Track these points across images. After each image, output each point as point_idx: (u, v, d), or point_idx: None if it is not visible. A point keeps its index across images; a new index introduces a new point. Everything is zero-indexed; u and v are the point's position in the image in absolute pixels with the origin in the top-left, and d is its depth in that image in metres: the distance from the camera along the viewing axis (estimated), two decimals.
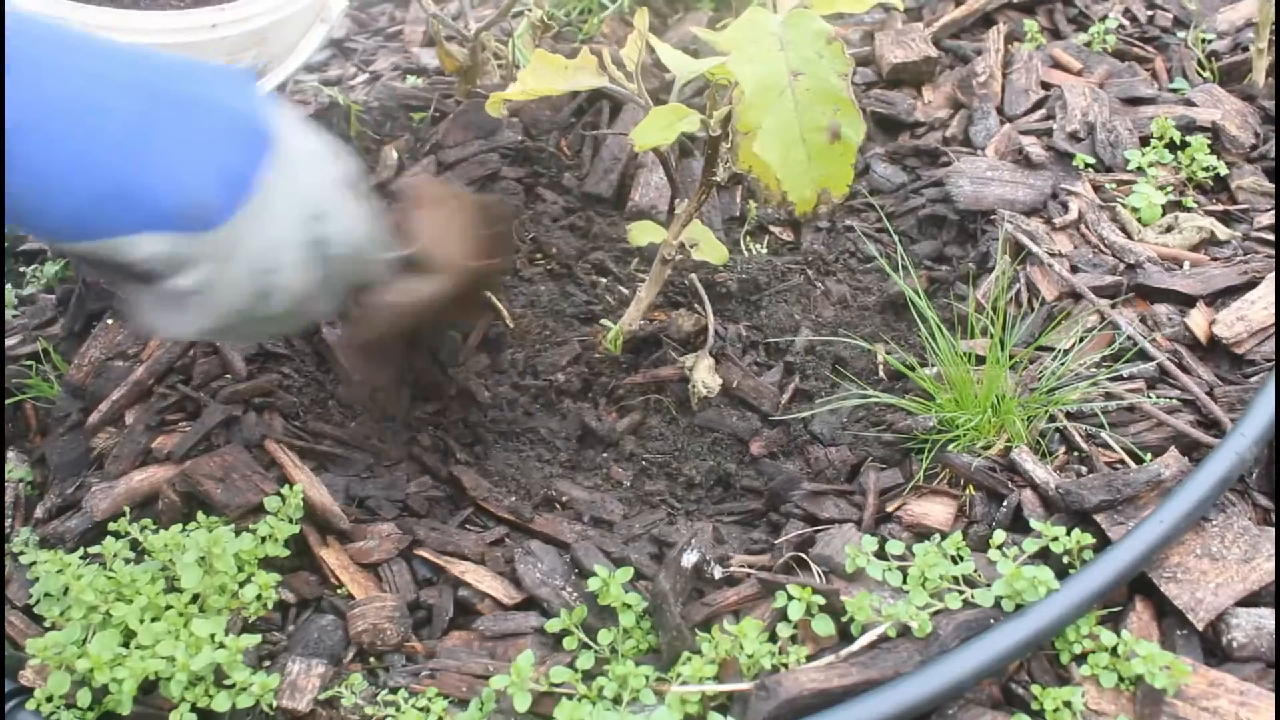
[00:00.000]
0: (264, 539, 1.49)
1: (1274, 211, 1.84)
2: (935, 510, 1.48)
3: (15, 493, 1.70)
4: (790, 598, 1.35)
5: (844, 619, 1.33)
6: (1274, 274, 1.67)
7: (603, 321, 1.77)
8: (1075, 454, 1.52)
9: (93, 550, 1.48)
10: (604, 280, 1.92)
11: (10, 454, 1.77)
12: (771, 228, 2.03)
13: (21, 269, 2.16)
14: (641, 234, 1.72)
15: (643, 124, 1.52)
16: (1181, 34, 2.26)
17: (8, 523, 1.65)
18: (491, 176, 2.07)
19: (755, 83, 1.39)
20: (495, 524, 1.59)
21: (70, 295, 1.94)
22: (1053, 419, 1.54)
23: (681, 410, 1.74)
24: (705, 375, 1.70)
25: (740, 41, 1.41)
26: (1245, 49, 2.15)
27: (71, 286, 1.95)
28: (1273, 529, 1.41)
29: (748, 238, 2.00)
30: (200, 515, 1.51)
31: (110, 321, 1.82)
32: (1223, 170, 1.90)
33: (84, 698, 1.34)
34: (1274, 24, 2.03)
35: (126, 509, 1.55)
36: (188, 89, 0.98)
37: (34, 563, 1.47)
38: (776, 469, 1.63)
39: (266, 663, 1.41)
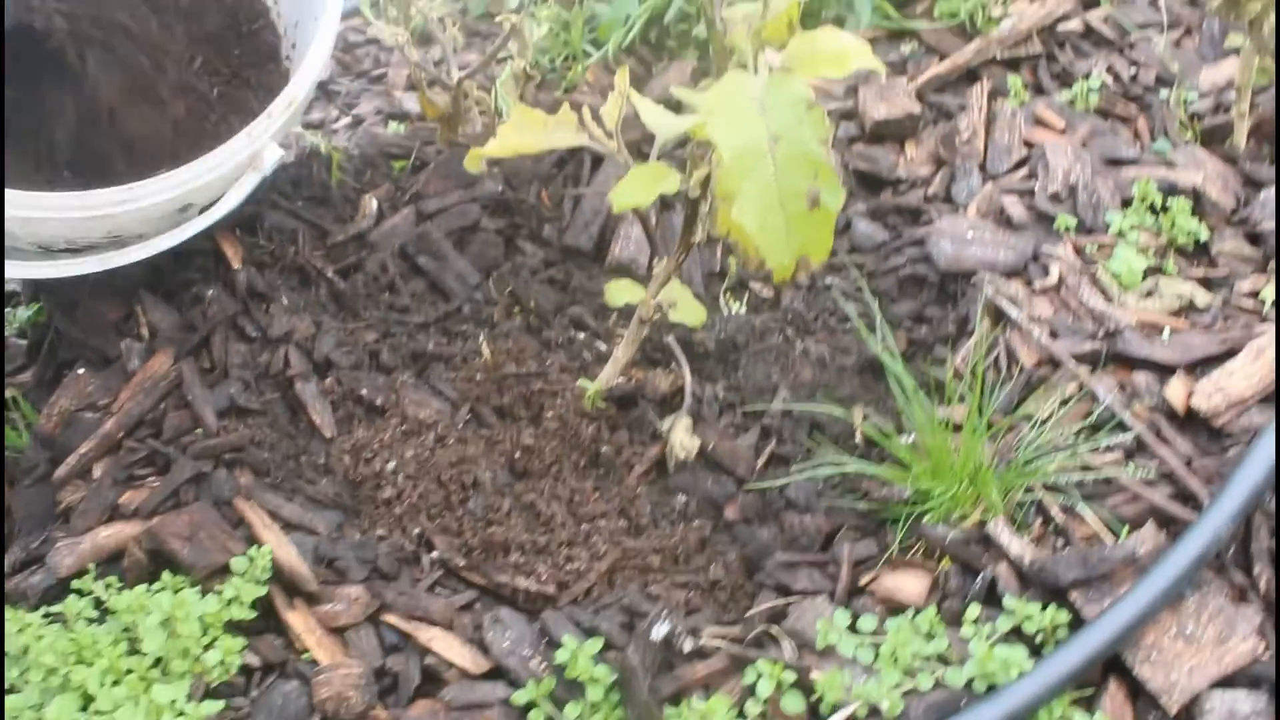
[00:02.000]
0: (230, 601, 1.47)
1: (1258, 274, 1.84)
2: (909, 584, 1.46)
3: None
4: (760, 674, 1.33)
5: (814, 697, 1.32)
6: (1258, 338, 1.66)
7: (580, 382, 1.76)
8: (1051, 526, 1.51)
9: (55, 609, 1.46)
10: (581, 335, 1.91)
11: None
12: (752, 284, 2.02)
13: None
14: (619, 293, 1.71)
15: (621, 184, 1.51)
16: (1164, 92, 2.26)
17: None
18: (471, 227, 2.06)
19: (734, 148, 1.37)
20: (465, 588, 1.57)
21: (42, 341, 1.92)
22: (1029, 489, 1.53)
23: (658, 470, 1.73)
24: (683, 437, 1.68)
25: (720, 105, 1.39)
26: (1227, 110, 2.15)
27: (44, 332, 1.93)
28: (1248, 606, 1.40)
29: (728, 294, 1.99)
30: (166, 574, 1.49)
31: (81, 371, 1.80)
32: (1204, 235, 1.90)
33: None
34: (1262, 79, 2.02)
35: (91, 566, 1.53)
36: None
37: None
38: (751, 535, 1.61)
39: None
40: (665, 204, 2.09)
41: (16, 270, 1.78)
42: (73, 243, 1.81)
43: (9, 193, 1.64)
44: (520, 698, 1.37)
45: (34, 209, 1.67)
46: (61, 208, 1.68)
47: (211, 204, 1.85)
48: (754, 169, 1.38)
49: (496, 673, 1.43)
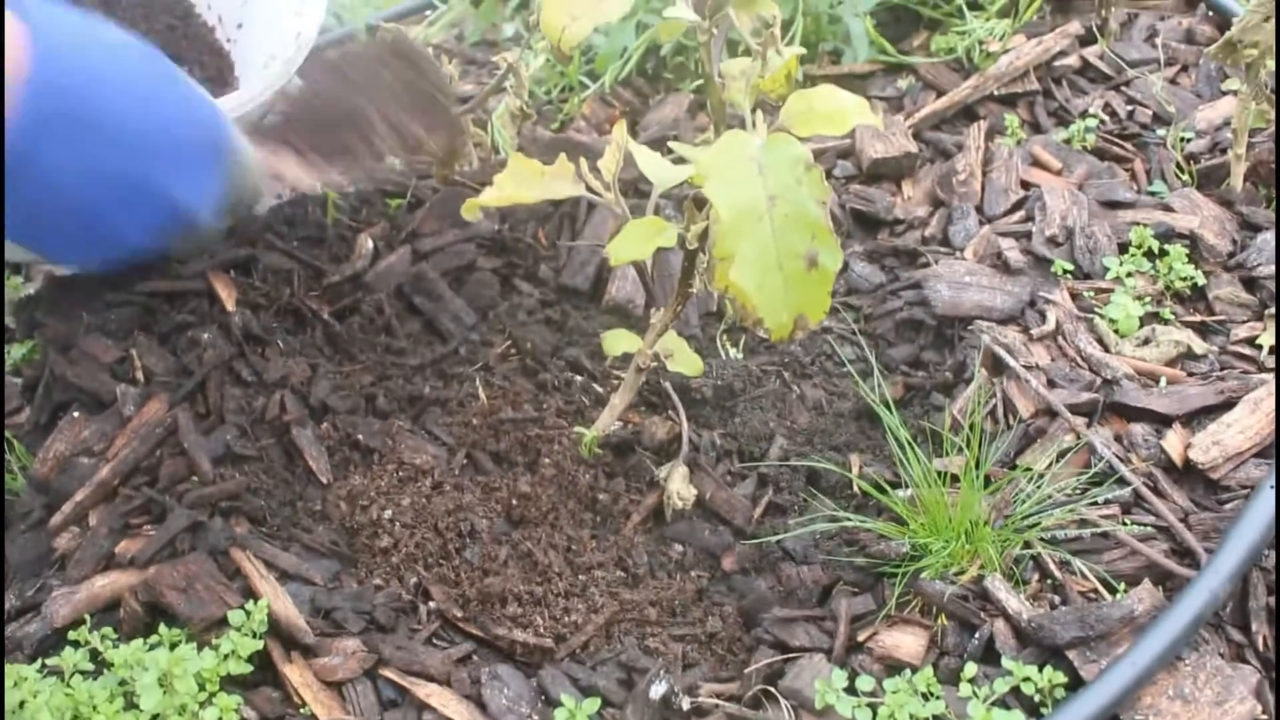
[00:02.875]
0: (226, 656, 1.47)
1: (1255, 321, 1.85)
2: (907, 642, 1.46)
3: None
4: None
5: None
6: (1256, 390, 1.67)
7: (577, 428, 1.76)
8: (1049, 581, 1.51)
9: (51, 662, 1.46)
10: (578, 378, 1.91)
11: None
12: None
13: None
14: (615, 343, 1.70)
15: (619, 238, 1.51)
16: (1161, 131, 2.27)
17: None
18: (467, 267, 2.06)
19: (732, 209, 1.37)
20: (463, 639, 1.56)
21: (37, 381, 1.91)
22: (1027, 545, 1.53)
23: (655, 519, 1.73)
24: (680, 486, 1.68)
25: (719, 165, 1.39)
26: (1224, 151, 2.15)
27: (39, 372, 1.92)
28: (1245, 666, 1.40)
29: (724, 336, 1.99)
30: (163, 628, 1.48)
31: (76, 414, 1.79)
32: (1200, 280, 1.90)
33: None
34: (1259, 122, 2.03)
35: (87, 616, 1.52)
36: None
37: None
38: (748, 586, 1.61)
39: None
40: None
41: None
42: None
43: None
44: None
45: None
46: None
47: None
48: (752, 230, 1.38)
49: None
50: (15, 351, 2.09)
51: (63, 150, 1.12)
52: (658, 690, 1.37)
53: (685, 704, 1.40)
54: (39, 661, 1.47)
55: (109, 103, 1.13)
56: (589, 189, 1.58)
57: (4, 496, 1.79)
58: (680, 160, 1.58)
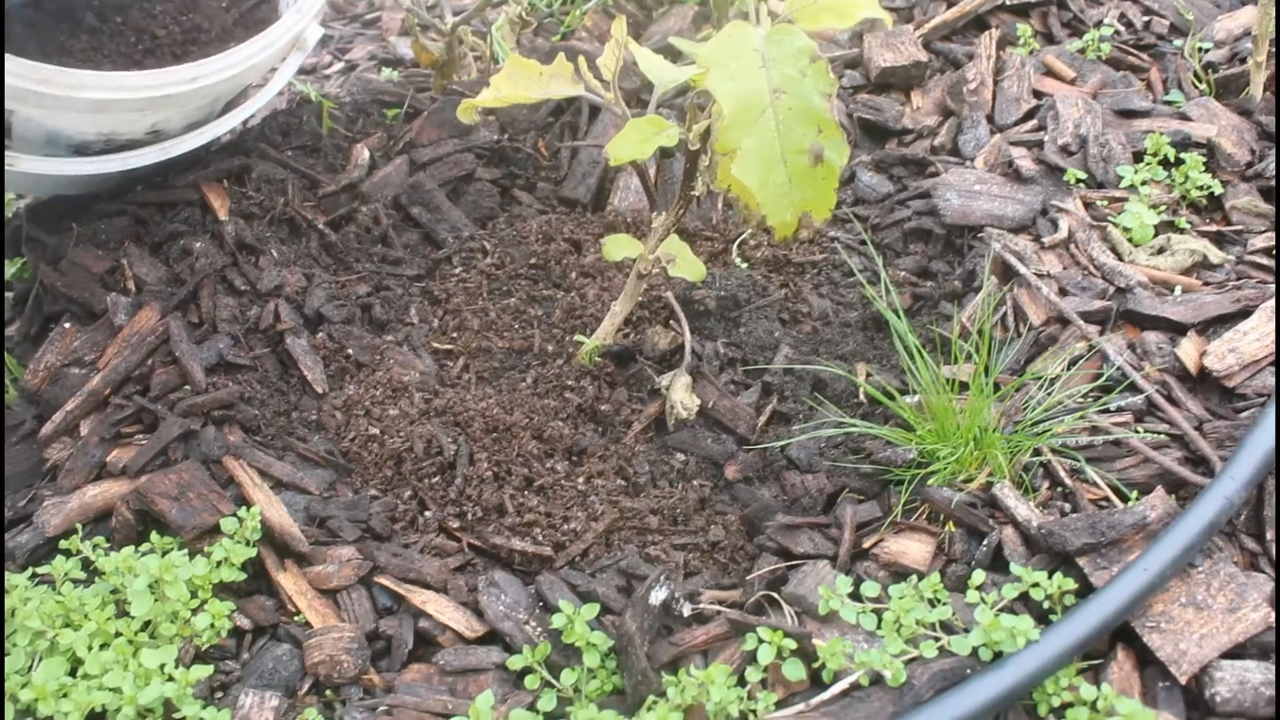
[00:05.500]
0: (219, 564, 1.44)
1: (1269, 233, 1.80)
2: (913, 548, 1.43)
3: None
4: (761, 640, 1.30)
5: (815, 664, 1.29)
6: (1273, 298, 1.62)
7: (576, 336, 1.72)
8: (1059, 489, 1.48)
9: (42, 570, 1.43)
10: (580, 289, 1.86)
11: None
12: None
13: None
14: (617, 248, 1.66)
15: (618, 137, 1.46)
16: (1178, 42, 2.21)
17: None
18: (466, 177, 2.01)
19: (735, 102, 1.33)
20: (460, 549, 1.53)
21: (28, 295, 1.88)
22: (1037, 452, 1.50)
23: (657, 428, 1.69)
24: (683, 395, 1.65)
25: (721, 57, 1.34)
26: (1243, 60, 2.09)
27: (30, 285, 1.89)
28: (1259, 574, 1.37)
29: (735, 245, 1.94)
30: (154, 535, 1.46)
31: (67, 325, 1.76)
32: (1217, 189, 1.85)
33: None
34: (1274, 37, 1.97)
35: (79, 525, 1.50)
36: None
37: None
38: (752, 495, 1.58)
39: (219, 694, 1.36)
40: (665, 152, 2.04)
41: (61, 167, 1.79)
42: (111, 140, 1.82)
43: (85, 73, 1.65)
44: (516, 663, 1.34)
45: (112, 90, 1.68)
46: (138, 87, 1.70)
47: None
48: (755, 124, 1.33)
49: (492, 637, 1.40)
50: (7, 268, 2.05)
51: None
52: (658, 596, 1.34)
53: (686, 610, 1.37)
54: (30, 570, 1.45)
55: None
56: (588, 89, 1.53)
57: (4, 412, 1.77)
58: (684, 59, 1.53)
